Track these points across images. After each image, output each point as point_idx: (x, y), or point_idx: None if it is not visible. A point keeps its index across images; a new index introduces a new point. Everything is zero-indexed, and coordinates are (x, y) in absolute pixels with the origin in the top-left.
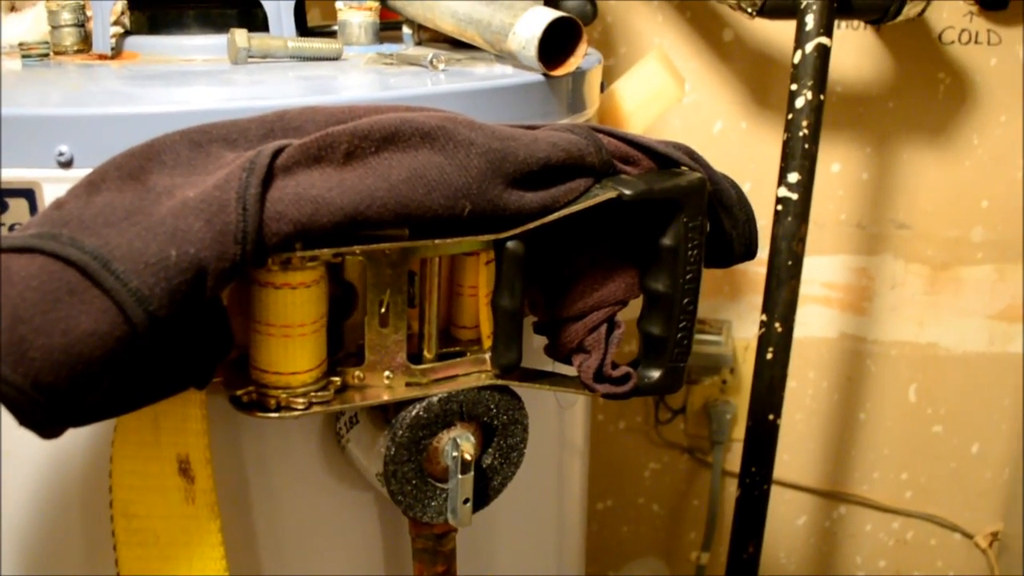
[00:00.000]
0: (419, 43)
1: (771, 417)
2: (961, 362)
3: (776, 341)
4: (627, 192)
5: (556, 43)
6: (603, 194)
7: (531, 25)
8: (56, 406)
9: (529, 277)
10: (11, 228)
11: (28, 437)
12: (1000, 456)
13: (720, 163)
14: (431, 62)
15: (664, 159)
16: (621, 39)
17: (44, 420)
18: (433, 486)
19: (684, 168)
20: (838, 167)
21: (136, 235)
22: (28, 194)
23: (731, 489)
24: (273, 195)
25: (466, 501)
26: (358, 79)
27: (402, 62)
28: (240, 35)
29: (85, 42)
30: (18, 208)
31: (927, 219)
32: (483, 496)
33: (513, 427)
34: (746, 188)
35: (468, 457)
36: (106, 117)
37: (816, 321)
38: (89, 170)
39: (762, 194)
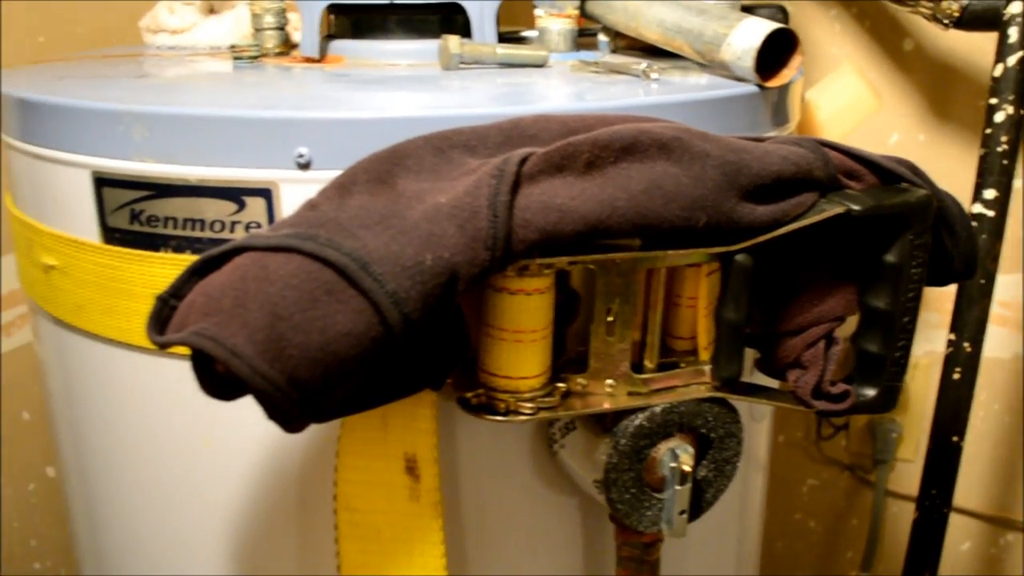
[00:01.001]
0: (614, 51)
1: (955, 439)
2: None
3: (964, 361)
4: (856, 208)
5: (768, 54)
6: (831, 209)
7: (748, 36)
8: (308, 402)
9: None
10: (248, 227)
11: (247, 428)
12: None
13: None
14: (644, 72)
15: (888, 174)
16: None
17: (294, 415)
18: (650, 495)
19: (906, 184)
20: (1019, 183)
21: (391, 238)
22: (266, 193)
23: (893, 509)
24: (520, 203)
25: (682, 512)
26: (575, 88)
27: (608, 70)
28: (453, 42)
29: (285, 44)
30: (255, 207)
31: None
32: (696, 508)
33: (729, 440)
34: None
35: (687, 468)
36: (345, 121)
37: (990, 341)
38: (326, 172)
39: None
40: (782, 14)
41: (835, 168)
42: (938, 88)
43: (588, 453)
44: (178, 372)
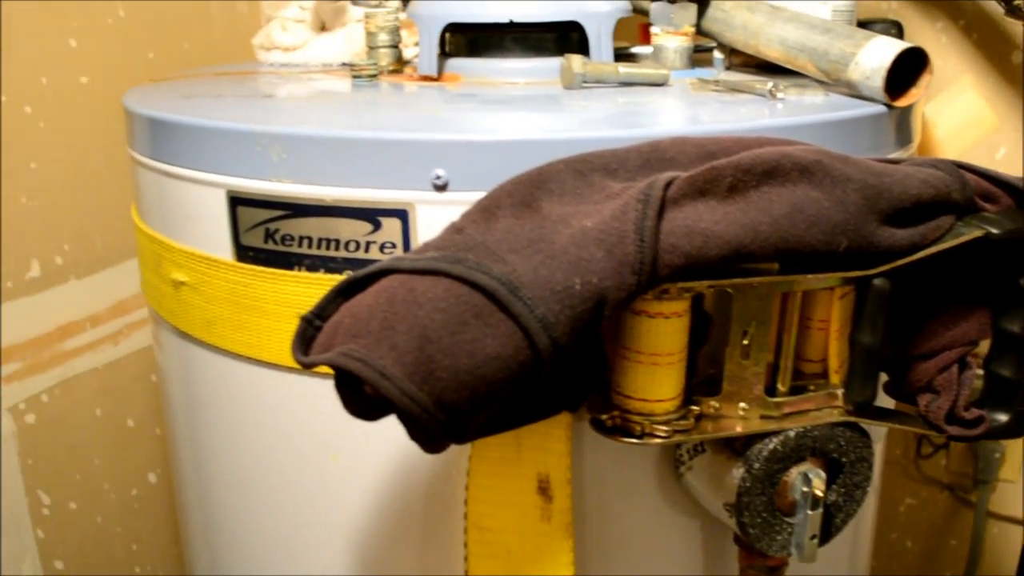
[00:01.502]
0: (728, 68)
1: None
2: None
3: None
4: (995, 231)
5: (894, 72)
6: (970, 233)
7: (878, 55)
8: (453, 424)
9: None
10: (383, 247)
11: (376, 443)
12: None
13: None
14: (770, 91)
15: None
16: None
17: (439, 437)
18: (781, 520)
19: None
20: None
21: (540, 263)
22: (402, 215)
23: (993, 531)
24: (665, 227)
25: (812, 537)
26: (702, 108)
27: (728, 88)
28: (576, 61)
29: (397, 62)
30: (391, 227)
31: None
32: (826, 532)
33: (859, 465)
34: None
35: (819, 493)
36: (483, 144)
37: None
38: (462, 194)
39: None
40: (896, 29)
41: (972, 191)
42: None
43: (717, 476)
44: (307, 388)
